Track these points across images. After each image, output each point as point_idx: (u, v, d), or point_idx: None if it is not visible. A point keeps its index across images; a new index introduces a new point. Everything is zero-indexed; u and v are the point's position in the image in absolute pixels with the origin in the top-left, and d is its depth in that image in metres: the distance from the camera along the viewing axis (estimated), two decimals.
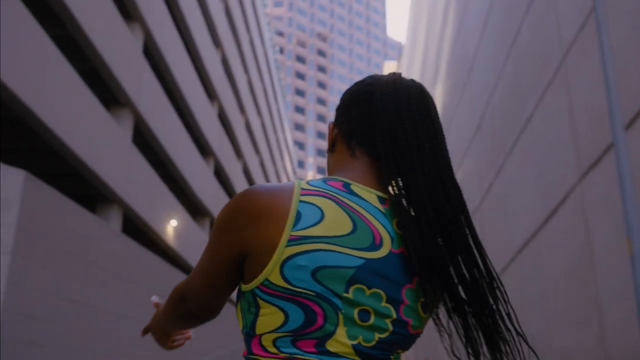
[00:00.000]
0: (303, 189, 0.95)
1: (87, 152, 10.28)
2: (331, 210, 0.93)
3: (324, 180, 0.98)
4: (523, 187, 8.09)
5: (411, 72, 27.86)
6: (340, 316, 0.91)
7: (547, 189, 7.04)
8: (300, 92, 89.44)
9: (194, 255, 17.01)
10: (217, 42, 21.30)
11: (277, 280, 0.90)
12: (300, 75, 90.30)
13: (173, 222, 15.28)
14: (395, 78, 1.05)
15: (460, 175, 13.13)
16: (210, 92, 20.41)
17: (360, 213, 0.95)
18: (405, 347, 0.98)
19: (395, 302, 0.94)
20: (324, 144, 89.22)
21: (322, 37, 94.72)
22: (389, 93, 1.02)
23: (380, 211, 0.97)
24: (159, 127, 14.35)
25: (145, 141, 14.39)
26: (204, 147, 19.60)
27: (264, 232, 0.92)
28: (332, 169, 1.08)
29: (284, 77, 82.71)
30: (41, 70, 8.92)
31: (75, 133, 9.88)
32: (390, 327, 0.94)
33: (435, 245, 0.95)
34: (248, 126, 27.80)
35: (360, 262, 0.92)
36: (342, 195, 0.96)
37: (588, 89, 5.44)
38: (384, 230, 0.95)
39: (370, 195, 0.98)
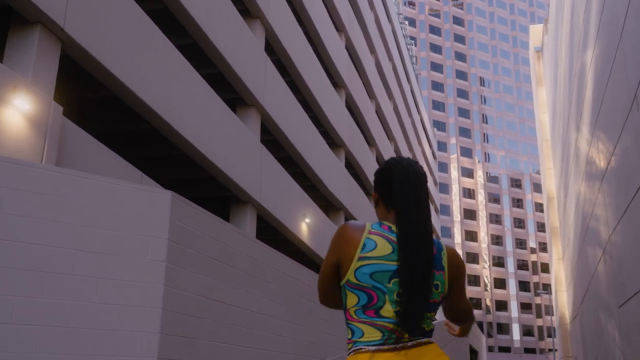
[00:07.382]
0: (369, 230, 1.94)
1: (219, 156, 11.33)
2: (381, 242, 1.94)
3: (380, 224, 1.99)
4: None
5: (558, 35, 26.44)
6: (386, 297, 1.88)
7: None
8: (436, 67, 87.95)
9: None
10: (339, 26, 21.86)
11: (352, 279, 1.91)
12: (436, 48, 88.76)
13: (306, 219, 16.09)
14: (404, 166, 2.00)
15: (619, 151, 12.48)
16: (336, 81, 21.04)
17: (396, 242, 1.94)
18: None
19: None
20: (467, 122, 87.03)
21: (458, 3, 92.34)
22: (400, 177, 1.98)
23: None
24: (286, 123, 15.20)
25: (273, 139, 15.36)
26: (333, 139, 20.29)
27: (347, 251, 1.92)
28: (381, 217, 2.07)
29: (417, 52, 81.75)
30: (171, 82, 10.01)
31: (207, 138, 10.94)
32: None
33: (409, 260, 1.89)
34: (379, 111, 28.13)
35: (395, 267, 1.89)
36: (387, 234, 1.97)
37: None
38: None
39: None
